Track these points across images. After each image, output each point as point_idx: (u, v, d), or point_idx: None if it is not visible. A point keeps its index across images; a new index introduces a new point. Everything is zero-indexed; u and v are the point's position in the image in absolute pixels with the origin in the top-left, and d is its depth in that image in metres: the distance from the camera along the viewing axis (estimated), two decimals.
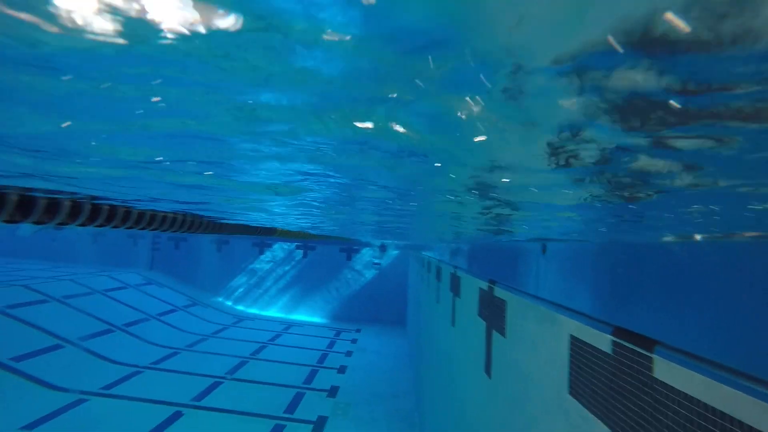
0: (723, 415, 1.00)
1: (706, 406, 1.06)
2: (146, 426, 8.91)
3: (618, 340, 1.57)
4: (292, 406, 10.62)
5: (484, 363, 3.85)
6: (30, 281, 15.73)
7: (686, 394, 1.15)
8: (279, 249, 23.15)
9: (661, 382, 1.29)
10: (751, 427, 0.93)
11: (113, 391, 10.51)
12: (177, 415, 9.54)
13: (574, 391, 2.01)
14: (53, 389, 10.01)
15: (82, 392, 10.13)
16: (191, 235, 23.25)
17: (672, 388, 1.22)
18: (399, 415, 10.43)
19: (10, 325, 11.99)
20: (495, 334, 3.50)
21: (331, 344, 17.30)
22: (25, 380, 9.98)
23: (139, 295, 18.52)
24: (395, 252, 22.55)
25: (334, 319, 21.98)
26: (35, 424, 8.50)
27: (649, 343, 1.37)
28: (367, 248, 22.67)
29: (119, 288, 18.24)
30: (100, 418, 9.04)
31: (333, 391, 11.78)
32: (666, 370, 1.27)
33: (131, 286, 19.17)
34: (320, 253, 22.87)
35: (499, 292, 3.38)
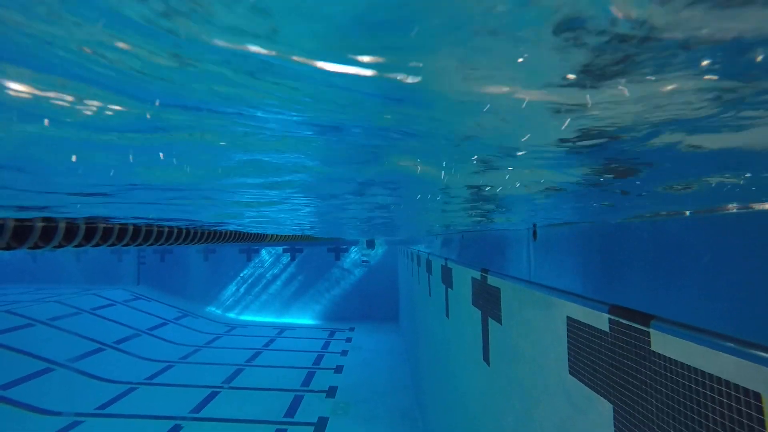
0: (720, 380, 1.05)
1: (703, 373, 1.11)
2: None
3: (615, 318, 1.62)
4: (291, 410, 10.61)
5: (482, 351, 3.91)
6: (13, 306, 15.37)
7: (683, 364, 1.20)
8: (266, 254, 23.04)
9: (658, 354, 1.34)
10: (746, 389, 0.98)
11: (109, 410, 10.38)
12: (176, 429, 9.47)
13: (573, 371, 2.07)
14: (46, 414, 9.83)
15: (77, 414, 9.98)
16: (177, 247, 22.98)
17: (670, 359, 1.27)
18: (399, 410, 10.49)
19: None
20: (491, 322, 3.55)
21: (326, 345, 17.29)
22: (15, 408, 9.78)
23: (128, 311, 18.26)
24: (383, 248, 22.61)
25: (327, 320, 21.97)
26: None
27: (645, 318, 1.41)
28: (355, 246, 22.69)
29: (107, 305, 17.96)
30: None
31: (332, 392, 11.80)
32: (663, 343, 1.32)
33: (119, 302, 18.89)
34: (308, 254, 22.82)
35: (493, 281, 3.43)
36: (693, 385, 1.15)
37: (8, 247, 2.57)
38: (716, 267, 1.85)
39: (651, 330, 1.39)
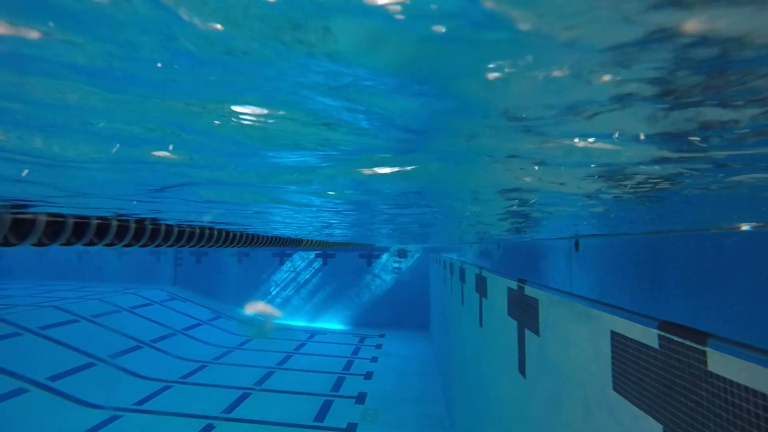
0: None
1: None
2: None
3: (666, 334, 1.55)
4: (321, 415, 10.65)
5: (518, 362, 3.82)
6: (60, 302, 16.11)
7: (746, 387, 1.13)
8: (299, 258, 23.31)
9: (716, 375, 1.27)
10: None
11: (145, 406, 10.68)
12: (209, 428, 9.64)
13: (618, 388, 1.99)
14: (88, 407, 10.21)
15: (116, 409, 10.32)
16: (212, 249, 23.53)
17: (730, 381, 1.20)
18: (428, 419, 10.38)
19: (45, 346, 12.31)
20: (528, 333, 3.47)
21: (356, 350, 17.32)
22: (61, 399, 10.22)
23: (165, 310, 18.81)
24: (416, 255, 22.53)
25: (357, 326, 22.01)
26: None
27: (701, 336, 1.35)
28: (387, 253, 22.69)
29: (145, 305, 18.55)
30: None
31: (361, 398, 11.79)
32: (721, 363, 1.25)
33: (156, 302, 19.48)
34: (340, 260, 22.96)
35: (531, 291, 3.36)
36: (758, 410, 1.09)
37: (67, 243, 2.70)
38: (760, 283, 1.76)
39: (707, 349, 1.32)
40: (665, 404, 1.57)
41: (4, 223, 2.43)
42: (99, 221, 2.79)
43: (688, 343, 1.42)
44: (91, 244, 2.89)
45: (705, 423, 1.32)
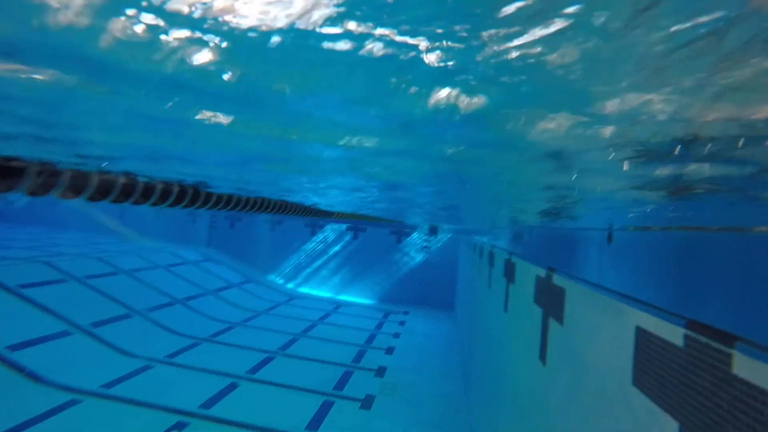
0: None
1: None
2: (206, 394, 9.47)
3: (692, 334, 1.52)
4: (340, 384, 10.93)
5: (539, 350, 3.81)
6: (103, 254, 16.93)
7: None
8: (330, 230, 23.62)
9: (741, 379, 1.25)
10: None
11: (175, 360, 11.21)
12: (233, 387, 10.06)
13: (638, 382, 1.97)
14: (125, 354, 10.81)
15: (149, 359, 10.88)
16: (247, 215, 24.13)
17: (755, 386, 1.18)
18: (446, 397, 10.51)
19: (90, 295, 13.06)
20: (552, 322, 3.45)
21: (380, 325, 17.58)
22: (101, 344, 10.86)
23: (198, 270, 19.49)
24: (446, 236, 22.47)
25: (382, 301, 22.28)
26: (111, 384, 9.25)
27: (728, 339, 1.32)
28: (417, 231, 22.72)
29: (180, 264, 19.26)
30: (166, 384, 9.69)
31: (380, 372, 12.01)
32: (747, 368, 1.22)
33: (190, 262, 20.19)
34: (370, 235, 23.15)
35: (558, 280, 3.32)
36: None
37: (116, 200, 2.84)
38: None
39: (734, 351, 1.29)
40: (684, 403, 1.55)
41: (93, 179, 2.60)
42: (145, 184, 2.91)
43: (714, 344, 1.40)
44: (137, 203, 3.03)
45: (723, 425, 1.30)
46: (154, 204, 3.13)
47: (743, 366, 1.24)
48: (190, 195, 3.27)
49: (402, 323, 18.18)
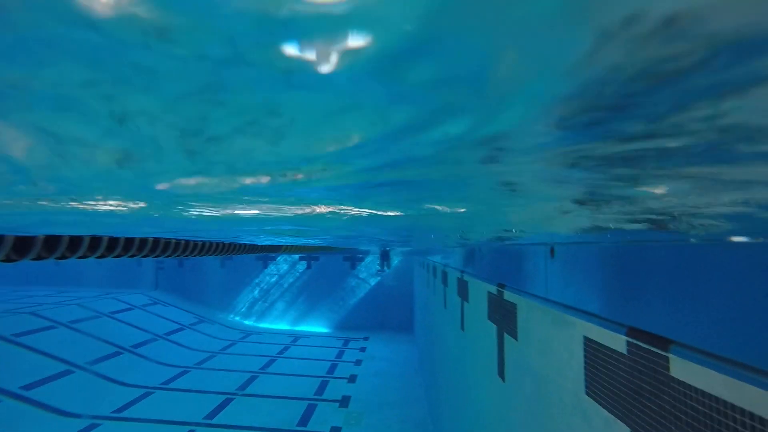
0: (743, 412, 1.03)
1: (725, 403, 1.10)
2: None
3: (632, 341, 1.60)
4: (304, 419, 10.60)
5: (497, 366, 3.87)
6: (37, 308, 15.75)
7: (705, 392, 1.18)
8: (283, 262, 23.18)
9: (678, 380, 1.32)
10: None
11: (125, 413, 10.51)
12: None
13: (590, 392, 2.04)
14: (65, 416, 10.00)
15: (94, 417, 10.13)
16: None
17: (690, 386, 1.25)
18: (412, 421, 10.41)
19: (19, 354, 12.01)
20: (507, 338, 3.52)
21: (340, 354, 17.28)
22: (36, 408, 9.98)
23: (146, 315, 18.53)
24: (399, 258, 22.58)
25: (341, 329, 21.96)
26: None
27: (664, 343, 1.40)
28: (371, 256, 22.71)
29: (125, 310, 18.25)
30: None
31: (345, 401, 11.77)
32: (682, 369, 1.30)
33: (137, 307, 19.18)
34: (324, 263, 22.91)
35: (509, 296, 3.41)
36: (715, 415, 1.13)
37: (38, 257, 2.65)
38: (739, 295, 1.82)
39: (670, 355, 1.37)
40: (632, 408, 1.62)
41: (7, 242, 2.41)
42: (71, 237, 2.75)
43: (653, 349, 1.47)
44: (63, 257, 2.84)
45: (667, 426, 1.36)
46: (83, 257, 2.94)
47: (679, 368, 1.32)
48: (122, 244, 3.10)
49: (362, 349, 17.96)
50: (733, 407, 1.06)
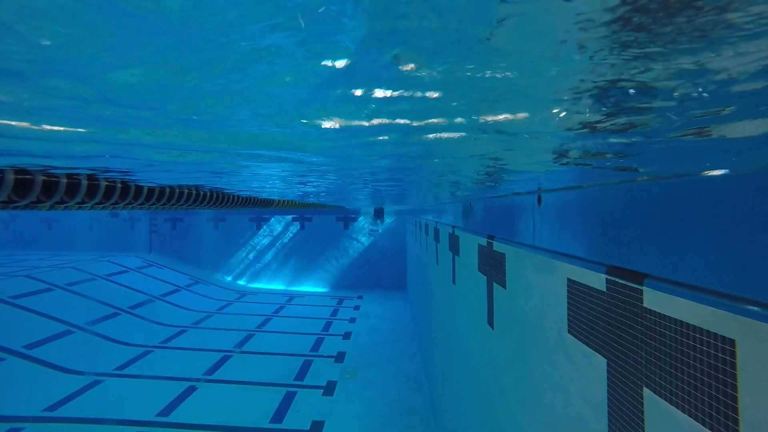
0: (700, 330, 1.14)
1: (688, 325, 1.20)
2: (163, 401, 9.22)
3: (611, 278, 1.71)
4: (301, 374, 10.96)
5: (487, 315, 4.03)
6: (32, 271, 15.85)
7: (670, 317, 1.29)
8: (276, 222, 23.29)
9: (649, 310, 1.43)
10: (723, 336, 1.07)
11: (127, 371, 10.80)
12: (191, 390, 9.86)
13: (572, 330, 2.17)
14: (69, 373, 10.28)
15: (97, 374, 10.42)
16: (187, 215, 23.28)
17: (659, 314, 1.36)
18: (405, 375, 10.81)
19: (19, 315, 12.18)
20: (496, 287, 3.66)
21: (335, 312, 17.66)
22: (40, 366, 10.24)
23: (141, 277, 18.71)
24: (392, 218, 22.75)
25: (335, 288, 22.35)
26: (56, 406, 8.79)
27: (639, 277, 1.50)
28: (364, 215, 22.85)
29: (121, 272, 18.40)
30: (118, 397, 9.34)
31: (340, 357, 12.14)
32: (654, 299, 1.40)
33: (132, 269, 19.34)
34: (317, 223, 23.05)
35: (498, 246, 3.52)
36: (678, 336, 1.24)
37: (37, 201, 2.69)
38: (719, 229, 1.92)
39: (644, 288, 1.47)
40: (609, 340, 1.74)
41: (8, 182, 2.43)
42: (68, 180, 2.78)
43: (628, 284, 1.58)
44: (62, 202, 2.88)
45: (638, 353, 1.48)
46: (80, 204, 2.97)
47: (651, 299, 1.42)
48: (118, 191, 3.13)
49: (357, 308, 18.36)
50: (695, 328, 1.17)
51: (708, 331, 1.11)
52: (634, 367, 1.52)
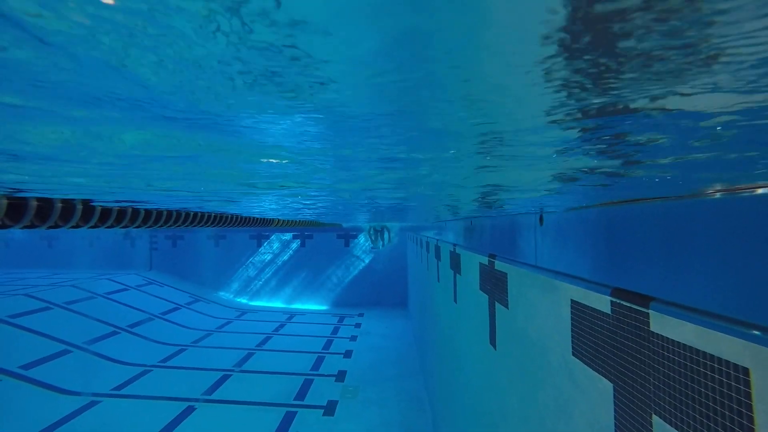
0: (712, 357, 1.09)
1: (698, 351, 1.16)
2: (161, 422, 9.07)
3: (616, 300, 1.67)
4: (301, 393, 10.81)
5: (489, 335, 3.97)
6: (31, 290, 15.77)
7: (679, 343, 1.25)
8: (276, 240, 23.24)
9: (657, 334, 1.38)
10: (736, 364, 1.02)
11: (124, 391, 10.65)
12: (190, 410, 9.71)
13: (577, 353, 2.12)
14: (65, 394, 10.14)
15: (94, 395, 10.27)
16: (188, 233, 23.26)
17: (667, 338, 1.32)
18: (407, 394, 10.64)
19: (16, 334, 12.08)
20: (498, 306, 3.61)
21: (335, 330, 17.50)
22: (36, 387, 10.10)
23: (141, 295, 18.60)
24: (393, 234, 22.69)
25: (336, 306, 22.19)
26: (51, 428, 8.64)
27: (645, 300, 1.46)
28: (364, 233, 22.80)
29: (120, 290, 18.30)
30: (115, 419, 9.19)
31: (341, 376, 11.98)
32: (661, 323, 1.36)
33: (132, 287, 19.24)
34: (318, 241, 22.99)
35: (500, 265, 3.48)
36: (687, 363, 1.20)
37: (31, 225, 2.66)
38: (722, 250, 1.89)
39: (650, 311, 1.43)
40: (615, 365, 1.69)
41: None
42: (63, 204, 2.76)
43: (634, 306, 1.54)
44: (56, 226, 2.86)
45: (647, 378, 1.43)
46: (75, 226, 2.94)
47: (658, 323, 1.38)
48: (114, 215, 3.11)
49: (357, 325, 18.20)
50: (705, 355, 1.13)
51: (720, 358, 1.06)
52: (643, 393, 1.47)
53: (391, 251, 22.68)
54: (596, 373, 1.88)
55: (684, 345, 1.22)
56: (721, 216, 2.28)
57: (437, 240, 7.82)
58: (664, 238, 2.66)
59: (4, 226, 2.50)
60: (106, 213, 3.11)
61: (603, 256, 2.73)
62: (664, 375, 1.32)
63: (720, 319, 1.08)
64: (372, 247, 22.80)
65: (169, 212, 3.77)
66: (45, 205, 2.62)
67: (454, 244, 5.82)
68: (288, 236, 23.10)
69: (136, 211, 3.42)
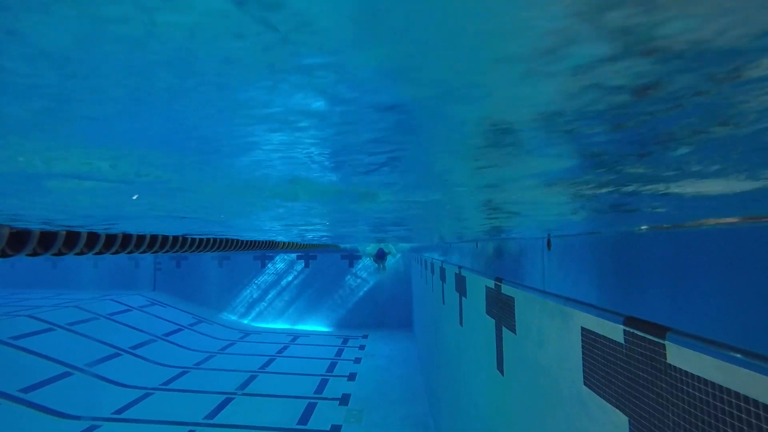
0: (737, 395, 1.04)
1: (720, 387, 1.11)
2: None
3: (630, 329, 1.61)
4: (304, 417, 10.62)
5: (496, 360, 3.89)
6: (34, 311, 15.71)
7: (699, 377, 1.19)
8: (280, 261, 23.17)
9: (674, 367, 1.33)
10: (763, 403, 0.97)
11: (125, 414, 10.50)
12: None
13: (588, 382, 2.05)
14: (65, 418, 9.99)
15: (94, 419, 10.12)
16: (192, 254, 23.26)
17: (686, 372, 1.26)
18: (412, 419, 10.43)
19: (17, 357, 11.98)
20: (505, 331, 3.54)
21: (339, 352, 17.30)
22: (36, 411, 9.97)
23: (144, 316, 18.51)
24: (398, 255, 22.58)
25: (340, 327, 21.97)
26: None
27: (661, 330, 1.41)
28: (366, 258, 22.68)
29: (124, 311, 18.22)
30: None
31: (345, 399, 11.78)
32: (679, 356, 1.31)
33: (135, 308, 19.15)
34: (322, 261, 22.90)
35: (507, 290, 3.42)
36: (709, 399, 1.15)
37: (34, 253, 2.64)
38: (736, 280, 1.83)
39: (667, 342, 1.38)
40: (630, 397, 1.63)
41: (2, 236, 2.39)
42: (66, 232, 2.75)
43: (649, 337, 1.48)
44: (60, 254, 2.84)
45: (665, 414, 1.37)
46: (80, 253, 2.92)
47: (675, 355, 1.33)
48: (119, 241, 3.10)
49: (362, 347, 17.98)
50: (728, 391, 1.08)
51: (746, 396, 1.01)
52: (660, 429, 1.41)
53: (395, 272, 22.55)
54: (610, 405, 1.82)
55: (705, 380, 1.17)
56: (738, 243, 2.23)
57: (442, 261, 7.76)
58: (675, 265, 2.61)
59: (4, 255, 2.48)
60: (110, 240, 3.09)
61: (613, 282, 2.68)
62: (683, 411, 1.26)
63: (743, 353, 1.03)
64: (377, 268, 22.68)
65: (175, 237, 3.76)
66: (48, 234, 2.61)
67: (459, 266, 5.76)
68: (292, 257, 23.03)
69: (141, 237, 3.41)
